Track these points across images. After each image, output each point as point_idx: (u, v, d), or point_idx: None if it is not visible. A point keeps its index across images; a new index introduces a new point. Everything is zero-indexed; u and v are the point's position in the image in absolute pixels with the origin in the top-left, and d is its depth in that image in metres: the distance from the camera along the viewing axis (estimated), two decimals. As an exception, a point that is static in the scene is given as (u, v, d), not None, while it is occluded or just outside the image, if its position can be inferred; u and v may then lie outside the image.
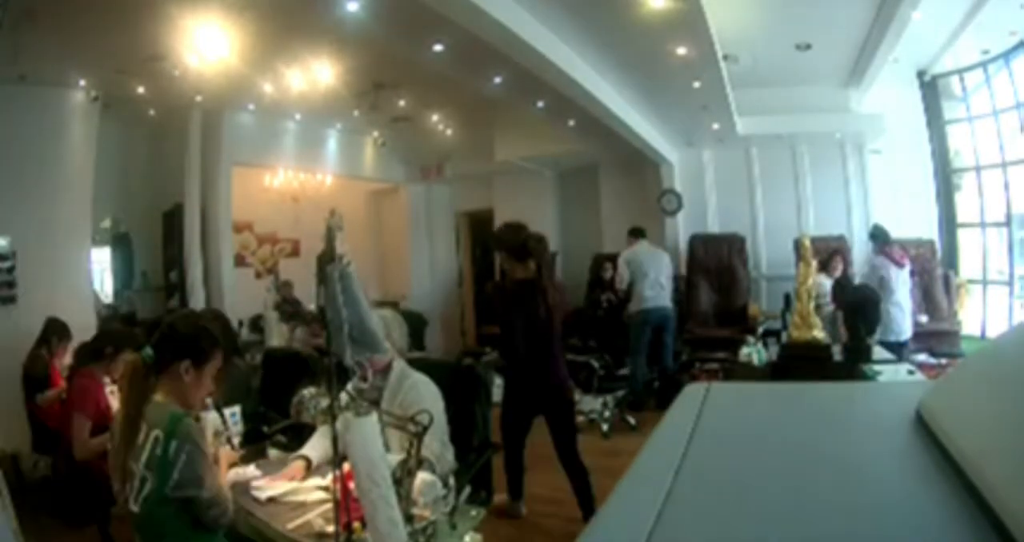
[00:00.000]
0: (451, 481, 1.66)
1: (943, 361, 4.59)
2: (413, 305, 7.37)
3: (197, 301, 5.33)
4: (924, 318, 5.20)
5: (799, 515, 0.63)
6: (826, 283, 4.43)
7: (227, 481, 1.80)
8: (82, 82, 4.41)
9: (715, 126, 5.67)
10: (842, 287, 4.28)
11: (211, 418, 1.97)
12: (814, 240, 4.03)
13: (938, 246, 5.75)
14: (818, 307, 3.79)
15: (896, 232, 5.72)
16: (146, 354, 1.59)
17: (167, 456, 1.48)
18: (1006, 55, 5.23)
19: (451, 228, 8.29)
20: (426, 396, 1.97)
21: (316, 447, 2.04)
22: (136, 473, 1.50)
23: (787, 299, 4.78)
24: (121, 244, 5.81)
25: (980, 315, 5.76)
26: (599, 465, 3.79)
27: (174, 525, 1.52)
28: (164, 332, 1.67)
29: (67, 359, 3.43)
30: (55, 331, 3.56)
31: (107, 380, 2.87)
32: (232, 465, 1.94)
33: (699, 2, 3.15)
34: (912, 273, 5.05)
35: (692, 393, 1.16)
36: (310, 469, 1.97)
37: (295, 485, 1.87)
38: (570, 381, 3.21)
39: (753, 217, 6.42)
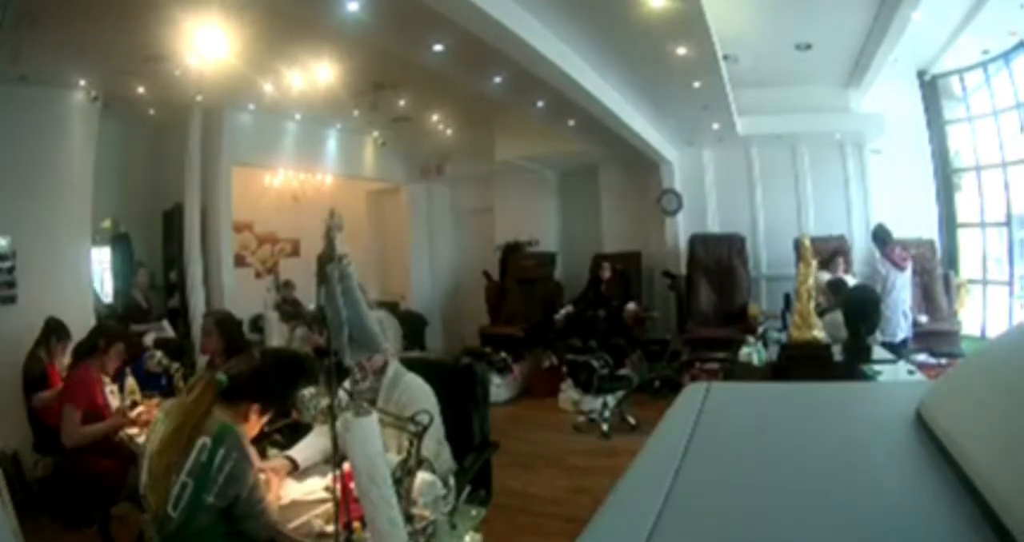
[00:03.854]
0: (451, 481, 1.66)
1: (943, 361, 4.59)
2: (413, 305, 7.38)
3: (197, 301, 5.33)
4: (924, 318, 5.21)
5: (799, 515, 0.63)
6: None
7: (283, 494, 1.80)
8: (82, 82, 4.40)
9: (715, 126, 5.67)
10: (836, 286, 4.25)
11: None
12: (814, 240, 4.03)
13: (938, 246, 5.75)
14: (817, 305, 3.79)
15: (896, 232, 5.72)
16: (221, 379, 1.62)
17: (212, 462, 1.50)
18: (1006, 55, 5.23)
19: (451, 228, 8.30)
20: (420, 396, 1.98)
21: (306, 448, 2.04)
22: (176, 481, 1.50)
23: (787, 299, 4.79)
24: (121, 244, 5.81)
25: (980, 315, 5.75)
26: (599, 465, 3.81)
27: (212, 535, 1.52)
28: (254, 369, 1.72)
29: (66, 359, 3.44)
30: (54, 331, 3.56)
31: (106, 379, 2.87)
32: (287, 474, 1.93)
33: (699, 2, 3.14)
34: (913, 273, 5.06)
35: (692, 393, 1.16)
36: (295, 470, 1.97)
37: (296, 485, 1.87)
38: None
39: (753, 217, 6.42)
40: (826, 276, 4.47)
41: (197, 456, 1.51)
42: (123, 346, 3.02)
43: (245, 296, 5.80)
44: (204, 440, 1.52)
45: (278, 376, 1.75)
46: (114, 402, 2.91)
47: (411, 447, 1.49)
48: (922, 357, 4.65)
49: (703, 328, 5.88)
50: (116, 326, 3.21)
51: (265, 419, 1.80)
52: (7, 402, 3.52)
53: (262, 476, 1.72)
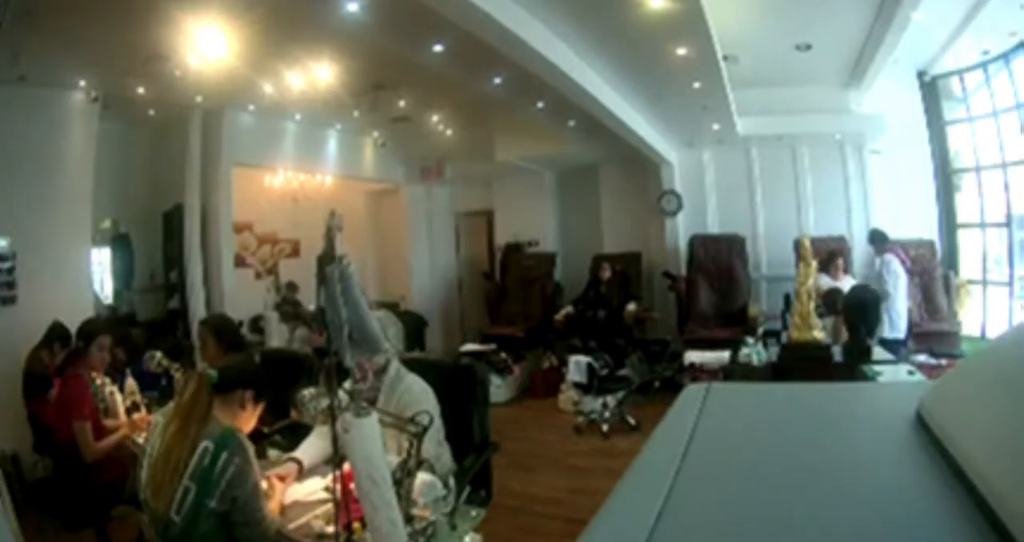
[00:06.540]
0: (451, 481, 1.66)
1: (943, 361, 4.59)
2: (413, 305, 7.38)
3: (197, 301, 5.33)
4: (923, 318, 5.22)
5: (799, 516, 0.63)
6: (830, 283, 4.43)
7: (285, 499, 1.78)
8: (82, 82, 4.40)
9: (715, 126, 5.67)
10: (832, 298, 4.19)
11: None
12: (814, 240, 4.03)
13: (938, 247, 5.74)
14: (818, 307, 3.79)
15: (896, 232, 5.72)
16: (211, 374, 1.64)
17: (214, 467, 1.50)
18: (1006, 56, 5.23)
19: (451, 228, 8.30)
20: (421, 397, 1.97)
21: (309, 449, 2.04)
22: (180, 484, 1.50)
23: (787, 299, 4.79)
24: (121, 244, 5.81)
25: (980, 316, 5.75)
26: (599, 465, 3.81)
27: (215, 541, 1.52)
28: (240, 359, 1.81)
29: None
30: (59, 335, 3.54)
31: (95, 375, 2.86)
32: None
33: (699, 2, 3.15)
34: (912, 273, 5.09)
35: (692, 393, 1.15)
36: (301, 472, 1.96)
37: (296, 486, 1.87)
38: None
39: (753, 217, 6.42)
40: (826, 279, 4.47)
41: (200, 460, 1.51)
42: (107, 339, 2.96)
43: (245, 297, 5.80)
44: (206, 444, 1.53)
45: (263, 362, 1.84)
46: (119, 404, 2.90)
47: (411, 448, 1.49)
48: (922, 357, 4.65)
49: (703, 328, 5.88)
50: (89, 320, 3.17)
51: (260, 409, 1.81)
52: (7, 402, 3.52)
53: (264, 484, 1.71)
